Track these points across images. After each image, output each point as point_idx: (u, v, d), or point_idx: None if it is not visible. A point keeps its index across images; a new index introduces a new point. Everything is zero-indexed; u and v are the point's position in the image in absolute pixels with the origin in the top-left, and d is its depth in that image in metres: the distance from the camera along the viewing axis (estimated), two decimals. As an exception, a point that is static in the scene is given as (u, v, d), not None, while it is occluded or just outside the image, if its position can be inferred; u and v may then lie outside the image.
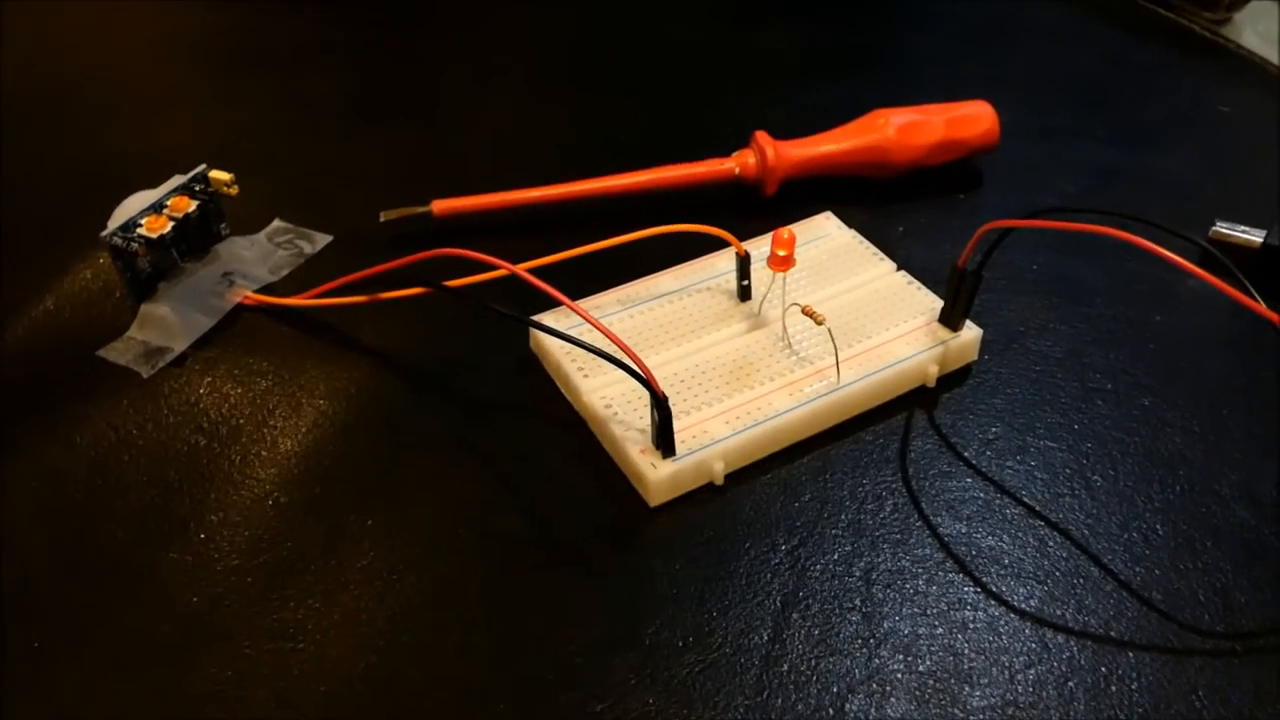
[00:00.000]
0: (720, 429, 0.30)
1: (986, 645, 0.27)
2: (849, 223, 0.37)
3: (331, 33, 0.51)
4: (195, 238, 0.35)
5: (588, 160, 0.40)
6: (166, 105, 0.46)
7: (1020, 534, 0.29)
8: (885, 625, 0.27)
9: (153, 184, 0.35)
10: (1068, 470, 0.31)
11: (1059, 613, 0.27)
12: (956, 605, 0.27)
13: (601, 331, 0.28)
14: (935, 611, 0.27)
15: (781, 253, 0.31)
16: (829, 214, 0.38)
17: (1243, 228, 0.37)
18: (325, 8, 0.52)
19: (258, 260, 0.36)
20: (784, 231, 0.31)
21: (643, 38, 0.51)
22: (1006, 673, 0.26)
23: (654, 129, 0.45)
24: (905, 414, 0.32)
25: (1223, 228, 0.38)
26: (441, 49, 0.50)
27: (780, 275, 0.32)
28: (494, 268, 0.30)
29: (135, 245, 0.33)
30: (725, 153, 0.39)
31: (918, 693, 0.26)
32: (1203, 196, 0.42)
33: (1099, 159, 0.44)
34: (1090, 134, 0.45)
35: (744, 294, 0.34)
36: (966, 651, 0.26)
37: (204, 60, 0.49)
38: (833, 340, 0.31)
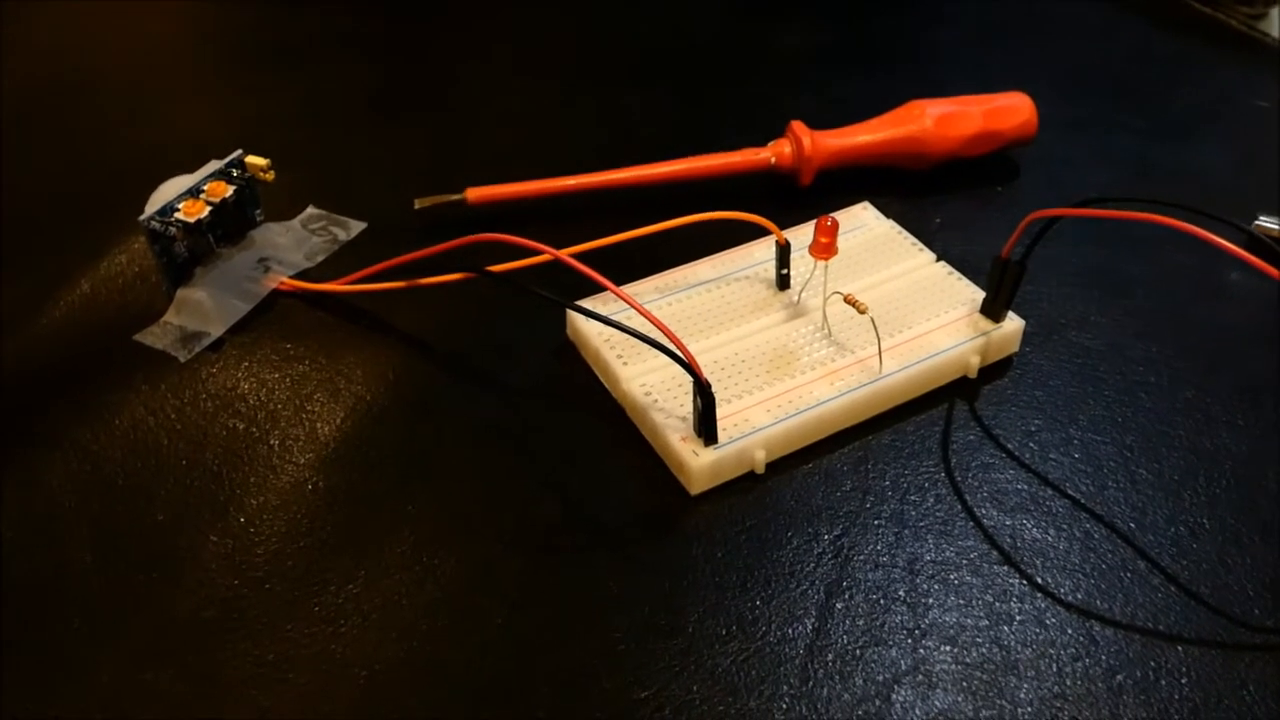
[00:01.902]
0: (761, 417, 0.29)
1: (1033, 638, 0.26)
2: (885, 214, 0.37)
3: (356, 25, 0.51)
4: (231, 223, 0.35)
5: (615, 152, 0.40)
6: (195, 98, 0.46)
7: (1065, 526, 0.29)
8: (930, 616, 0.27)
9: (185, 172, 0.35)
10: (1112, 463, 0.30)
11: (1106, 606, 0.27)
12: (1002, 597, 0.27)
13: (645, 317, 0.28)
14: (981, 603, 0.27)
15: (825, 240, 0.31)
16: (866, 204, 0.37)
17: (1285, 221, 0.37)
18: (349, 0, 0.52)
19: (293, 246, 0.36)
20: (827, 219, 0.31)
21: (670, 29, 0.51)
22: (1054, 665, 0.26)
23: (682, 120, 0.45)
24: (946, 405, 0.32)
25: (1265, 221, 0.37)
26: (469, 38, 0.50)
27: (821, 263, 0.32)
28: (533, 254, 0.30)
29: (172, 230, 0.33)
30: (756, 143, 0.39)
31: (964, 684, 0.25)
32: (1239, 190, 0.41)
33: (1134, 152, 0.43)
34: (1125, 127, 0.45)
35: (783, 283, 0.33)
36: (1013, 644, 0.26)
37: (230, 54, 0.49)
38: (875, 329, 0.31)
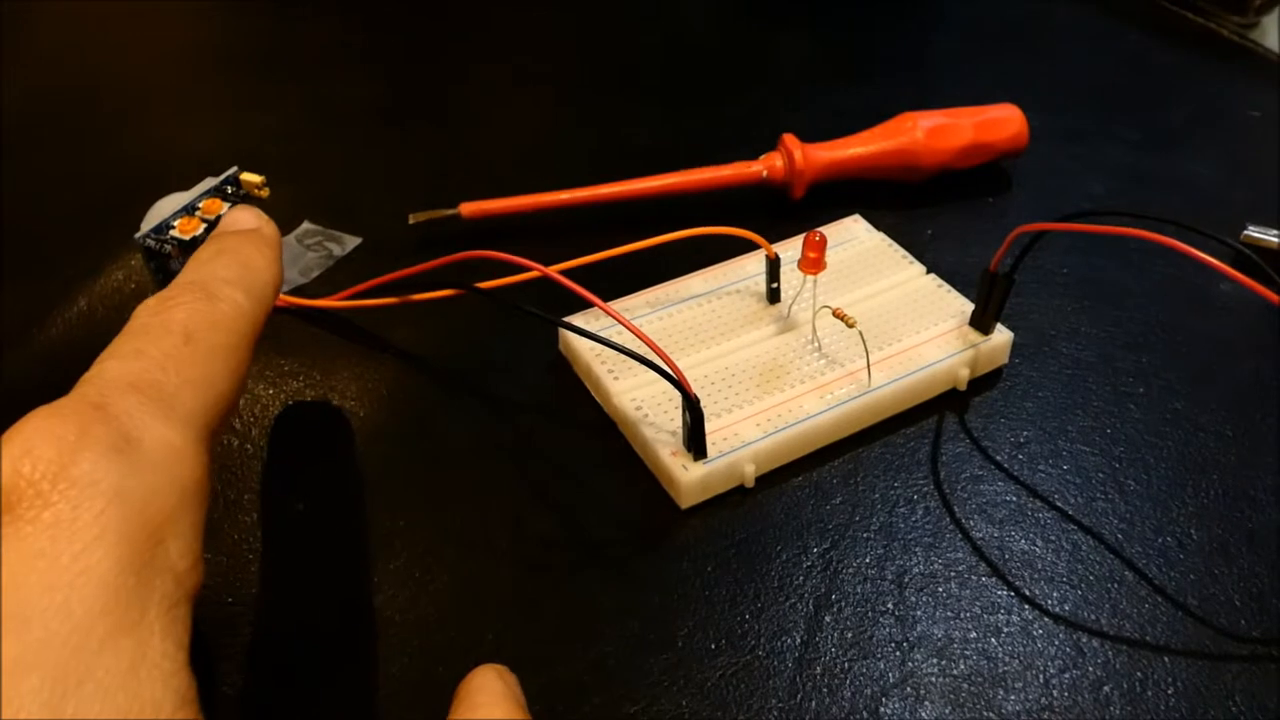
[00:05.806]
0: (751, 431, 0.30)
1: (1021, 649, 0.26)
2: (877, 226, 0.37)
3: (354, 38, 0.51)
4: (226, 240, 0.35)
5: (612, 164, 0.40)
6: (192, 110, 0.46)
7: (1053, 538, 0.29)
8: (919, 629, 0.27)
9: (181, 187, 0.35)
10: (1100, 474, 0.31)
11: (1093, 617, 0.27)
12: (990, 609, 0.27)
13: (633, 332, 0.28)
14: (969, 615, 0.27)
15: (813, 255, 0.31)
16: (857, 217, 0.37)
17: (1274, 231, 0.37)
18: (348, 13, 0.52)
19: (288, 262, 0.36)
20: (815, 234, 0.31)
21: (665, 41, 0.51)
22: (1041, 677, 0.26)
23: (678, 133, 0.45)
24: (936, 417, 0.32)
25: (1254, 231, 0.37)
26: (463, 53, 0.50)
27: (811, 278, 0.32)
28: (524, 270, 0.30)
29: (168, 247, 0.33)
30: (748, 156, 0.39)
31: (952, 696, 0.25)
32: (1231, 200, 0.41)
33: (1126, 162, 0.43)
34: (1117, 137, 0.45)
35: (773, 296, 0.34)
36: (1001, 655, 0.26)
37: (228, 66, 0.50)
38: (864, 343, 0.31)
